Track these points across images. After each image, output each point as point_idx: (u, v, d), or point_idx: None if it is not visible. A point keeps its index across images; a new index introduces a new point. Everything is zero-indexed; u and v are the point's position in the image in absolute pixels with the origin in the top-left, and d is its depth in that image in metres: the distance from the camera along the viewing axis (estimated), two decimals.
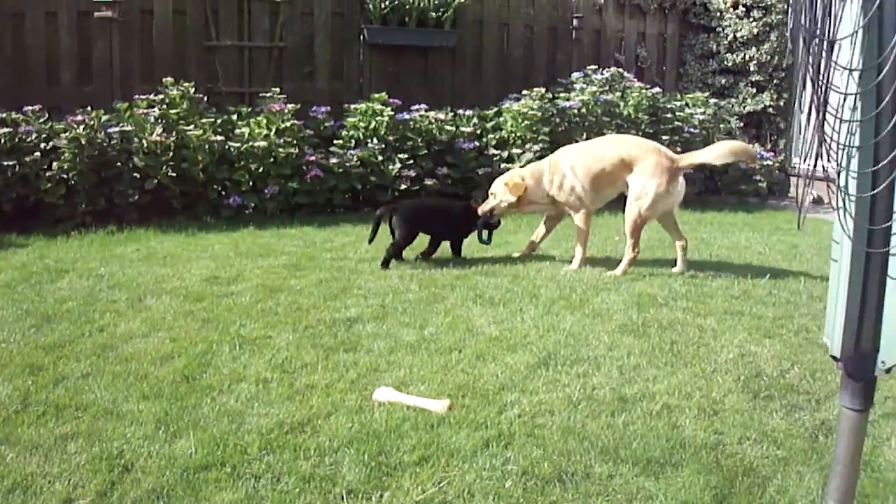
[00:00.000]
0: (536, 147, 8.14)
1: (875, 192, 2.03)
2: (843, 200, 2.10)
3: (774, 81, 10.36)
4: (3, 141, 6.93)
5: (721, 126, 9.46)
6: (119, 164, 7.16)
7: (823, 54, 2.05)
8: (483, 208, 6.09)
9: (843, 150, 2.07)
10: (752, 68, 10.36)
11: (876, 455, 3.11)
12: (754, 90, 10.43)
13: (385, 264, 5.69)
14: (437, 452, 3.00)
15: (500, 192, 6.05)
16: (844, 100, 2.03)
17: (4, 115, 7.19)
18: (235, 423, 3.24)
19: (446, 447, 3.04)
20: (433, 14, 9.03)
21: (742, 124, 10.12)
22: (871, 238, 2.10)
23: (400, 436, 3.12)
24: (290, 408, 3.38)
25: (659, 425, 3.30)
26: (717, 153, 5.90)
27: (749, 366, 4.00)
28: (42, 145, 7.10)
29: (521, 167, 6.49)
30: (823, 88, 2.06)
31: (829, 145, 2.07)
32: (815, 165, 2.10)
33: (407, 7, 8.88)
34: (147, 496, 2.71)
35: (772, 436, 3.26)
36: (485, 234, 6.13)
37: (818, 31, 2.02)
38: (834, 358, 2.29)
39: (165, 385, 3.61)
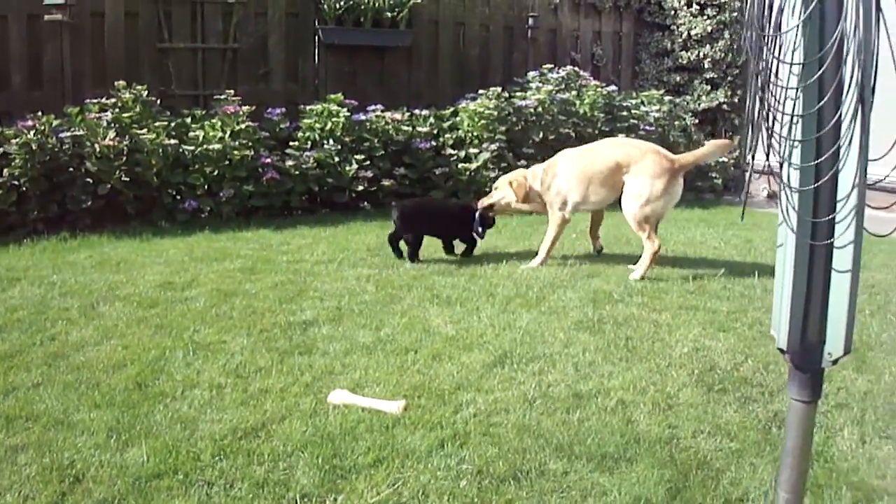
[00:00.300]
0: (493, 146, 8.16)
1: (818, 184, 2.05)
2: (786, 193, 2.12)
3: (728, 79, 10.48)
4: None
5: (676, 123, 9.54)
6: (71, 169, 7.04)
7: (767, 48, 2.07)
8: (483, 202, 6.19)
9: (786, 143, 2.09)
10: (706, 66, 10.46)
11: (829, 445, 3.16)
12: (709, 87, 10.54)
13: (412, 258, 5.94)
14: (392, 454, 2.99)
15: (503, 190, 6.17)
16: (785, 93, 2.05)
17: None
18: (188, 430, 3.20)
19: (401, 448, 3.03)
20: (388, 14, 9.00)
21: (697, 121, 10.21)
22: (815, 230, 2.12)
23: (355, 438, 3.11)
24: (244, 413, 3.35)
25: (614, 421, 3.32)
26: (709, 151, 6.29)
27: (703, 360, 4.04)
28: None
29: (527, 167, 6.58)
30: (767, 82, 2.08)
31: (772, 139, 2.10)
32: (753, 159, 2.12)
33: (362, 7, 8.83)
34: None
35: (725, 428, 3.29)
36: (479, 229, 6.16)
37: (764, 25, 2.04)
38: (781, 350, 2.31)
39: (117, 393, 3.56)
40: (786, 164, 2.10)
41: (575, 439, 3.14)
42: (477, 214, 6.10)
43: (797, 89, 2.04)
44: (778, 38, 2.05)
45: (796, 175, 2.11)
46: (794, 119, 2.07)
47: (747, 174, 2.23)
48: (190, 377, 3.75)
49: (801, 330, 2.27)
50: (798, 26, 2.00)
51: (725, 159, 9.73)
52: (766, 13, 2.05)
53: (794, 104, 2.06)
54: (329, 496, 2.73)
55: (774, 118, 2.09)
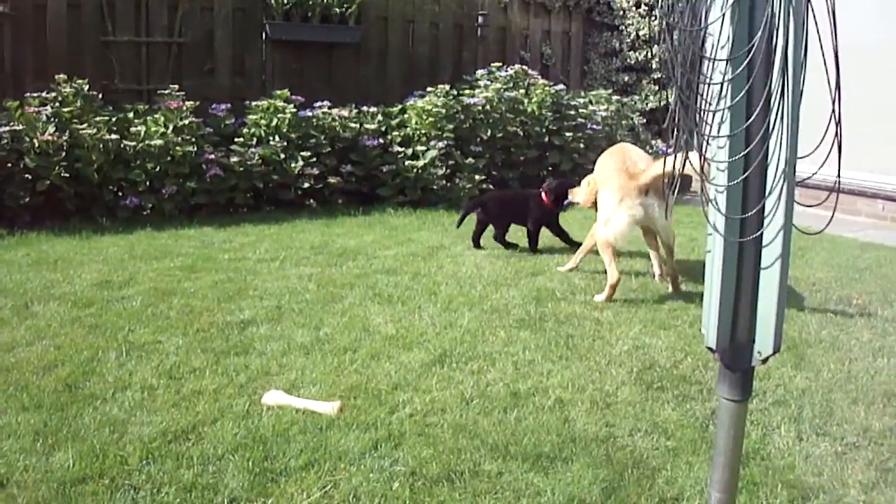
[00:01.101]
0: (441, 144, 8.13)
1: (745, 175, 2.05)
2: (711, 192, 2.12)
3: None
4: None
5: (623, 122, 9.60)
6: (9, 164, 6.86)
7: (691, 42, 2.06)
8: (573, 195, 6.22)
9: (711, 140, 2.09)
10: (654, 66, 10.55)
11: (766, 443, 3.19)
12: (656, 87, 10.64)
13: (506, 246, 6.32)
14: (325, 456, 2.96)
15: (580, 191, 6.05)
16: (708, 88, 2.05)
17: None
18: (117, 433, 3.13)
19: (334, 450, 3.00)
20: (337, 10, 8.92)
21: (645, 121, 10.30)
22: (743, 227, 2.12)
23: (287, 440, 3.07)
24: (175, 415, 3.29)
25: (551, 420, 3.32)
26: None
27: (643, 358, 4.07)
28: None
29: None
30: (691, 78, 2.08)
31: (697, 136, 2.10)
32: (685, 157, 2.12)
33: (310, 2, 8.74)
34: None
35: (662, 426, 3.30)
36: None
37: (687, 18, 2.04)
38: (710, 349, 2.31)
39: (47, 395, 3.47)
40: (711, 162, 2.10)
41: (511, 439, 3.13)
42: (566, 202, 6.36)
43: (721, 84, 2.04)
44: (703, 31, 2.04)
45: (723, 174, 2.12)
46: (722, 116, 2.07)
47: (674, 174, 2.23)
48: (122, 378, 3.67)
49: (731, 329, 2.27)
50: (724, 16, 1.99)
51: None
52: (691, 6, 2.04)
53: (720, 99, 2.06)
54: (258, 500, 2.68)
55: (700, 115, 2.09)
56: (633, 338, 4.35)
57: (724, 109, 2.05)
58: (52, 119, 7.18)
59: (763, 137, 2.01)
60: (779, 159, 2.00)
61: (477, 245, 6.35)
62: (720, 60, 2.02)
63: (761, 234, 2.11)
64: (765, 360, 2.29)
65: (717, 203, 2.12)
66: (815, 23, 1.86)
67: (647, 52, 10.53)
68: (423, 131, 8.27)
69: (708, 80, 2.03)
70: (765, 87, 1.97)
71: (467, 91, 8.90)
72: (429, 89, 8.73)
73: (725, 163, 2.09)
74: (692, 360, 4.06)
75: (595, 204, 5.55)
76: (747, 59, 1.97)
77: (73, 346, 4.07)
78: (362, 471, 2.86)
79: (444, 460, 2.95)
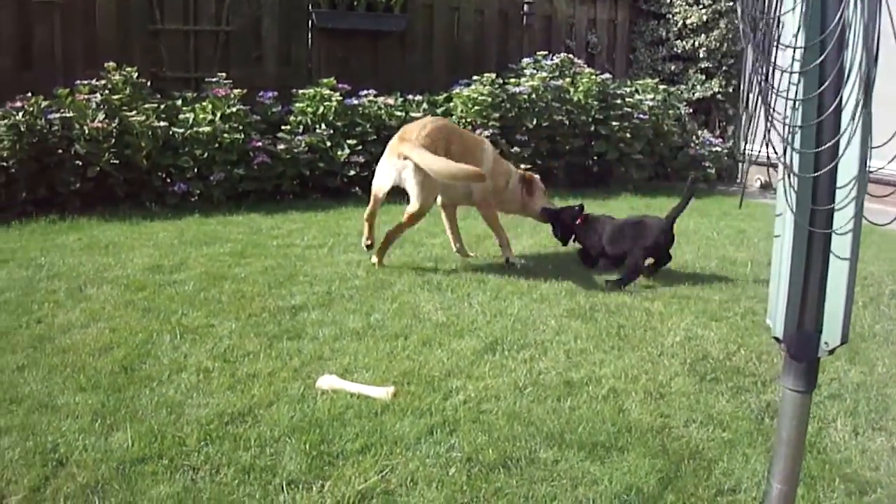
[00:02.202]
0: (487, 133, 8.10)
1: (817, 174, 2.01)
2: (788, 174, 2.08)
3: (723, 68, 10.43)
4: None
5: (670, 112, 9.49)
6: (60, 151, 6.97)
7: (766, 30, 2.02)
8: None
9: (788, 127, 2.05)
10: (701, 55, 10.42)
11: (822, 437, 3.14)
12: (703, 77, 10.51)
13: None
14: (381, 440, 2.96)
15: None
16: (788, 76, 2.01)
17: None
18: (174, 415, 3.16)
19: (390, 435, 3.00)
20: None
21: (691, 111, 10.19)
22: (814, 217, 2.08)
23: (343, 424, 3.07)
24: (231, 398, 3.31)
25: (605, 409, 3.29)
26: None
27: (696, 349, 4.02)
28: None
29: None
30: (768, 66, 2.04)
31: (773, 121, 2.06)
32: (745, 143, 2.08)
33: None
34: (82, 491, 2.63)
35: (718, 418, 3.26)
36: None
37: (763, 7, 2.00)
38: (777, 339, 2.28)
39: (103, 376, 3.51)
40: (788, 149, 2.06)
41: (566, 427, 3.11)
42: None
43: (798, 74, 2.01)
44: (777, 21, 2.01)
45: (797, 161, 2.08)
46: (795, 105, 2.03)
47: (743, 162, 2.19)
48: (177, 361, 3.70)
49: (798, 319, 2.24)
50: (798, 7, 1.96)
51: (718, 148, 9.69)
52: None
53: (796, 89, 2.02)
54: (316, 482, 2.69)
55: (773, 104, 2.05)
56: (685, 329, 4.30)
57: (797, 99, 2.01)
58: (102, 106, 7.28)
59: (836, 127, 1.97)
60: (852, 149, 1.96)
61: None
62: (795, 48, 1.98)
63: (832, 221, 2.07)
64: (831, 352, 2.25)
65: (792, 184, 2.08)
66: (889, 13, 1.82)
67: (694, 41, 10.40)
68: (468, 119, 8.25)
69: (784, 69, 2.00)
70: (838, 77, 1.93)
71: (513, 80, 8.87)
72: (474, 78, 8.71)
73: (800, 152, 2.05)
74: (745, 351, 4.00)
75: None
76: (822, 56, 1.93)
77: (128, 328, 4.12)
78: (418, 456, 2.86)
79: (500, 447, 2.94)
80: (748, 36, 2.05)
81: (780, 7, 1.99)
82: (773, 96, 2.05)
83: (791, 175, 2.08)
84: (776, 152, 2.09)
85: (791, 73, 2.01)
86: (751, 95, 2.10)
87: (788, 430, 2.39)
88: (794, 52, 2.01)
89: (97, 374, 3.53)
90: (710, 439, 3.09)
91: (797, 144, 2.05)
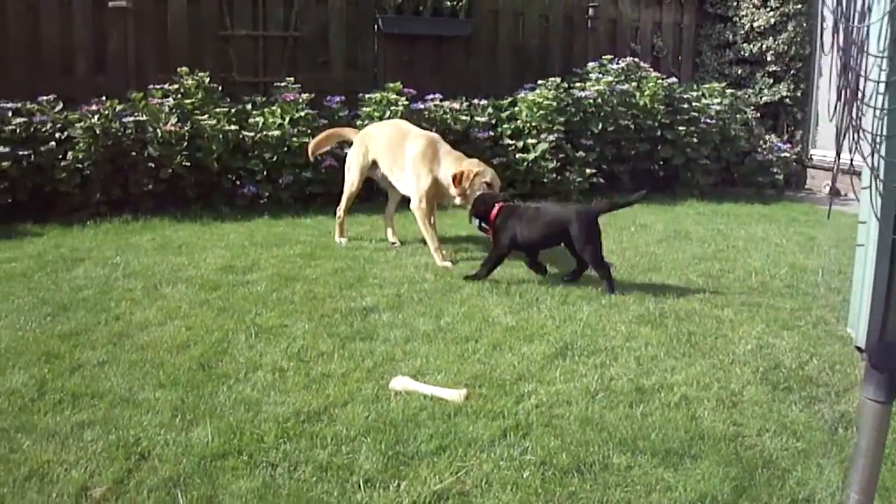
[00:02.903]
0: (551, 137, 8.10)
1: None
2: (874, 182, 2.06)
3: (791, 72, 10.25)
4: (18, 131, 6.92)
5: (737, 116, 9.36)
6: (134, 153, 7.15)
7: (854, 40, 2.01)
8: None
9: (875, 135, 2.03)
10: (769, 58, 10.26)
11: None
12: (771, 80, 10.35)
13: None
14: (455, 442, 2.98)
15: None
16: (875, 87, 1.99)
17: (19, 105, 7.18)
18: (252, 412, 3.23)
19: (463, 437, 3.03)
20: (448, 3, 9.00)
21: (758, 115, 10.03)
22: None
23: (417, 425, 3.11)
24: (307, 396, 3.38)
25: (677, 416, 3.28)
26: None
27: (767, 357, 3.97)
28: (57, 135, 7.10)
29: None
30: (854, 74, 2.03)
31: (859, 130, 2.04)
32: (836, 152, 2.07)
33: None
34: (164, 484, 2.71)
35: (791, 428, 3.22)
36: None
37: (850, 17, 1.99)
38: (858, 349, 2.25)
39: (181, 373, 3.61)
40: (875, 156, 2.04)
41: (638, 434, 3.10)
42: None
43: (886, 83, 1.99)
44: (864, 28, 1.99)
45: (882, 168, 2.06)
46: (882, 113, 2.01)
47: (834, 168, 2.17)
48: (253, 360, 3.79)
49: (881, 329, 2.21)
50: (886, 15, 1.94)
51: (787, 154, 9.53)
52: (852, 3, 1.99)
53: (884, 98, 2.00)
54: (392, 481, 2.73)
55: (861, 113, 2.03)
56: (757, 337, 4.25)
57: (884, 109, 1.99)
58: (175, 110, 7.47)
59: None
60: None
61: None
62: (884, 57, 1.97)
63: None
64: None
65: (879, 190, 2.06)
66: None
67: (761, 44, 10.25)
68: (533, 124, 8.26)
69: (871, 78, 1.98)
70: None
71: (578, 84, 8.85)
72: (539, 82, 8.71)
73: (887, 160, 2.03)
74: (818, 361, 3.94)
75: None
76: None
77: (204, 326, 4.22)
78: (493, 458, 2.88)
79: (573, 452, 2.94)
80: (843, 49, 2.04)
81: (869, 17, 1.98)
82: (861, 105, 2.03)
83: (877, 182, 2.06)
84: (864, 159, 2.07)
85: (879, 82, 1.99)
86: (838, 101, 2.08)
87: (867, 441, 2.37)
88: (882, 61, 1.99)
89: (175, 371, 3.63)
90: (784, 449, 3.06)
91: (883, 152, 2.04)
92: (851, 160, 2.09)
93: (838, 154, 2.07)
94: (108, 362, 3.74)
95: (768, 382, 3.66)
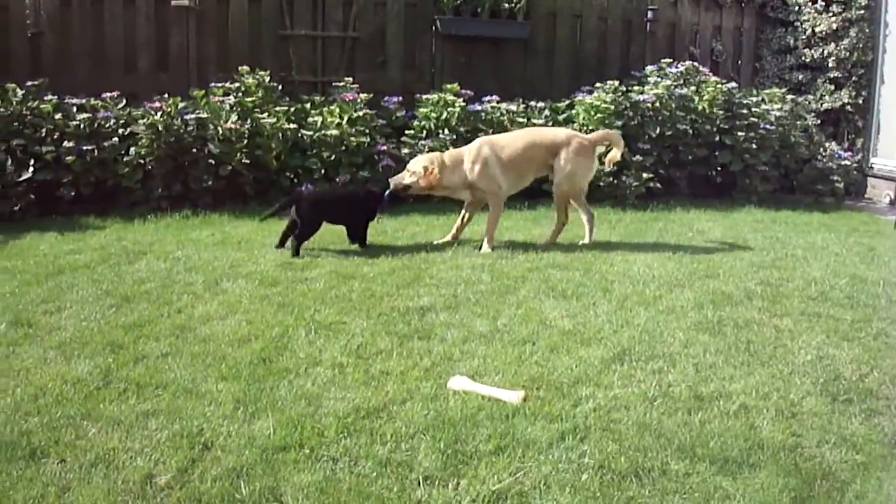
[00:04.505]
0: None
1: None
2: None
3: (853, 79, 10.07)
4: (82, 126, 7.11)
5: (797, 123, 9.22)
6: (195, 150, 7.28)
7: None
8: (398, 180, 6.17)
9: None
10: (830, 64, 10.09)
11: None
12: (832, 87, 10.17)
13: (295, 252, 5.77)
14: (513, 443, 3.00)
15: (417, 173, 6.16)
16: None
17: (84, 101, 7.39)
18: (313, 406, 3.29)
19: (522, 438, 3.04)
20: (506, 5, 9.02)
21: (819, 121, 9.87)
22: None
23: (475, 425, 3.14)
24: (366, 393, 3.42)
25: (736, 425, 3.26)
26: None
27: (827, 368, 3.92)
28: (120, 131, 7.28)
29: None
30: None
31: None
32: None
33: None
34: (227, 474, 2.77)
35: (851, 440, 3.19)
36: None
37: None
38: None
39: (243, 366, 3.68)
40: None
41: (697, 441, 3.09)
42: (387, 193, 6.15)
43: None
44: None
45: None
46: None
47: None
48: (312, 355, 3.85)
49: None
50: None
51: (847, 162, 9.37)
52: None
53: None
54: (451, 480, 2.76)
55: None
56: (816, 347, 4.19)
57: None
58: (235, 108, 7.59)
59: None
60: None
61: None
62: None
63: None
64: None
65: None
66: None
67: (822, 50, 10.09)
68: (590, 127, 8.22)
69: None
70: None
71: (636, 87, 8.80)
72: (597, 85, 8.68)
73: None
74: (878, 374, 3.88)
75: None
76: None
77: (264, 321, 4.29)
78: (551, 460, 2.89)
79: (631, 456, 2.94)
80: None
81: None
82: None
83: None
84: None
85: None
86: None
87: None
88: None
89: (237, 364, 3.71)
90: (843, 461, 3.02)
91: None
92: None
93: None
94: (171, 354, 3.83)
95: (828, 394, 3.61)
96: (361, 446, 2.97)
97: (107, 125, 7.25)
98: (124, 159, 7.12)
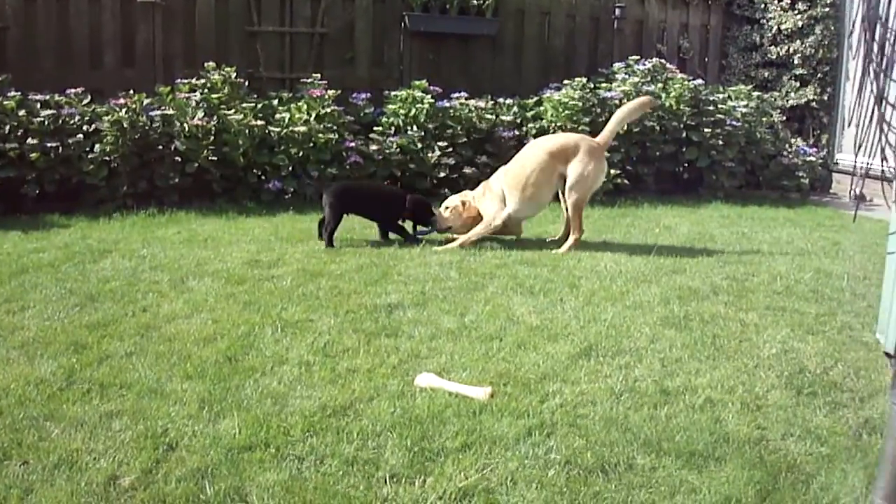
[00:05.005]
0: None
1: None
2: None
3: (818, 75, 10.19)
4: (46, 123, 7.01)
5: (763, 119, 9.31)
6: (160, 147, 7.22)
7: (888, 46, 2.00)
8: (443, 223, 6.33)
9: None
10: (796, 61, 10.20)
11: None
12: (798, 84, 10.29)
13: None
14: (480, 439, 3.00)
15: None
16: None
17: (48, 97, 7.28)
18: (278, 405, 3.26)
19: (488, 434, 3.04)
20: (475, 2, 9.01)
21: (785, 118, 9.97)
22: None
23: (442, 422, 3.13)
24: (333, 391, 3.40)
25: (702, 419, 3.27)
26: (621, 117, 6.47)
27: (792, 362, 3.95)
28: (85, 127, 7.19)
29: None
30: (884, 82, 2.02)
31: (888, 138, 2.04)
32: (864, 156, 2.06)
33: None
34: (192, 475, 2.74)
35: (815, 433, 3.21)
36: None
37: (883, 22, 1.98)
38: (888, 355, 2.25)
39: (208, 366, 3.65)
40: None
41: (663, 435, 3.10)
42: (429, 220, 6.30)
43: None
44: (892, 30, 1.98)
45: None
46: None
47: (856, 177, 2.16)
48: (279, 353, 3.82)
49: None
50: None
51: (812, 158, 9.47)
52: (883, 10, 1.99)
53: None
54: (418, 477, 2.75)
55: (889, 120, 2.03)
56: (781, 341, 4.23)
57: None
58: (202, 105, 7.53)
59: None
60: None
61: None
62: None
63: None
64: None
65: None
66: None
67: (788, 47, 10.18)
68: (558, 124, 8.25)
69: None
70: None
71: (604, 84, 8.84)
72: (565, 82, 8.71)
73: None
74: (843, 366, 3.92)
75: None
76: None
77: (230, 320, 4.25)
78: (517, 456, 2.89)
79: (597, 451, 2.95)
80: (869, 48, 2.03)
81: None
82: (891, 113, 2.03)
83: None
84: (892, 168, 2.07)
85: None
86: (859, 107, 2.08)
87: (893, 446, 2.36)
88: None
89: (202, 363, 3.67)
90: (808, 453, 3.05)
91: None
92: (882, 166, 2.09)
93: (858, 155, 2.07)
94: (136, 353, 3.79)
95: (793, 387, 3.65)
96: (327, 445, 2.95)
97: (71, 122, 7.16)
98: (89, 156, 7.03)
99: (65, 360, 3.66)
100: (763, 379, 3.73)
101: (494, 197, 6.21)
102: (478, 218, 6.24)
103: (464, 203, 6.27)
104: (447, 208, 6.30)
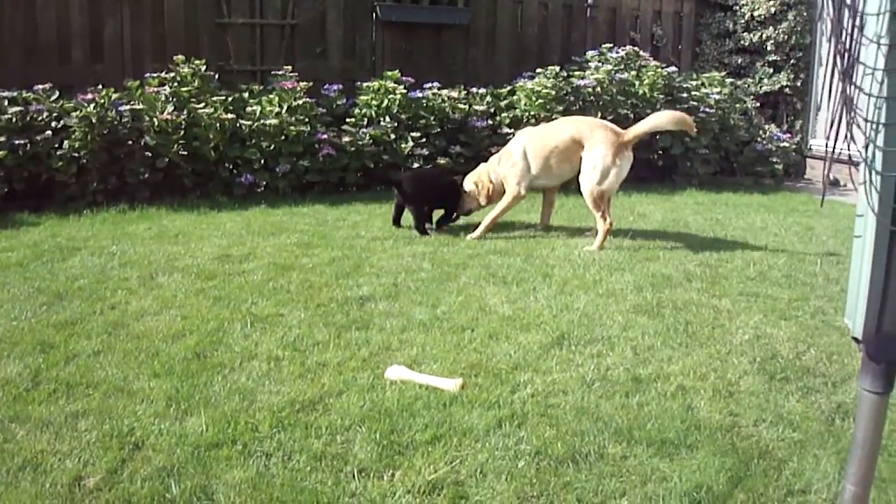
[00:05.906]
0: None
1: None
2: (870, 173, 2.04)
3: (791, 62, 10.22)
4: (14, 120, 6.90)
5: (737, 106, 9.33)
6: (130, 142, 7.13)
7: (851, 27, 1.98)
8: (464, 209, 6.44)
9: (872, 124, 2.00)
10: (769, 48, 10.23)
11: (894, 439, 3.07)
12: (771, 70, 10.32)
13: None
14: (450, 431, 2.98)
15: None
16: (872, 74, 1.96)
17: (15, 93, 7.16)
18: (247, 401, 3.23)
19: (459, 426, 3.02)
20: None
21: (758, 104, 10.00)
22: None
23: (412, 414, 3.10)
24: (302, 386, 3.37)
25: (673, 406, 3.27)
26: (656, 122, 6.15)
27: (765, 347, 3.96)
28: (53, 124, 7.07)
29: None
30: (850, 61, 2.00)
31: (855, 118, 2.01)
32: (835, 140, 2.04)
33: None
34: (157, 474, 2.70)
35: (787, 418, 3.22)
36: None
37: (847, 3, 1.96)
38: (856, 340, 2.23)
39: (177, 362, 3.60)
40: (871, 146, 2.01)
41: (634, 423, 3.09)
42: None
43: (884, 71, 1.96)
44: (861, 16, 1.96)
45: (880, 158, 2.03)
46: (878, 102, 1.99)
47: (826, 157, 2.14)
48: (248, 349, 3.78)
49: (878, 319, 2.19)
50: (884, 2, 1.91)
51: (786, 144, 9.51)
52: None
53: (880, 86, 1.98)
54: (387, 471, 2.73)
55: (856, 101, 2.01)
56: (754, 327, 4.23)
57: (881, 98, 1.97)
58: (171, 98, 7.44)
59: None
60: None
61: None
62: (881, 44, 1.94)
63: None
64: None
65: (874, 184, 2.04)
66: None
67: (761, 34, 10.21)
68: (532, 113, 8.22)
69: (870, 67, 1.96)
70: None
71: (577, 72, 8.82)
72: (538, 70, 8.68)
73: (883, 150, 2.01)
74: (815, 351, 3.93)
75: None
76: None
77: (199, 316, 4.21)
78: (487, 448, 2.87)
79: (568, 441, 2.94)
80: (836, 30, 2.01)
81: (866, 2, 1.95)
82: (857, 93, 2.00)
83: (874, 174, 2.04)
84: (858, 150, 2.05)
85: (875, 70, 1.97)
86: (824, 89, 2.05)
87: (864, 432, 2.35)
88: (880, 47, 1.97)
89: (170, 361, 3.62)
90: (780, 439, 3.05)
91: (880, 142, 2.01)
92: (849, 150, 2.07)
93: (828, 139, 2.05)
94: (103, 352, 3.73)
95: (765, 373, 3.65)
96: (296, 440, 2.91)
97: (39, 118, 7.04)
98: (58, 153, 6.92)
99: (31, 361, 3.60)
100: (735, 365, 3.73)
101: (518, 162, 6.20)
102: (498, 190, 6.25)
103: (476, 185, 6.28)
104: (467, 192, 6.33)
